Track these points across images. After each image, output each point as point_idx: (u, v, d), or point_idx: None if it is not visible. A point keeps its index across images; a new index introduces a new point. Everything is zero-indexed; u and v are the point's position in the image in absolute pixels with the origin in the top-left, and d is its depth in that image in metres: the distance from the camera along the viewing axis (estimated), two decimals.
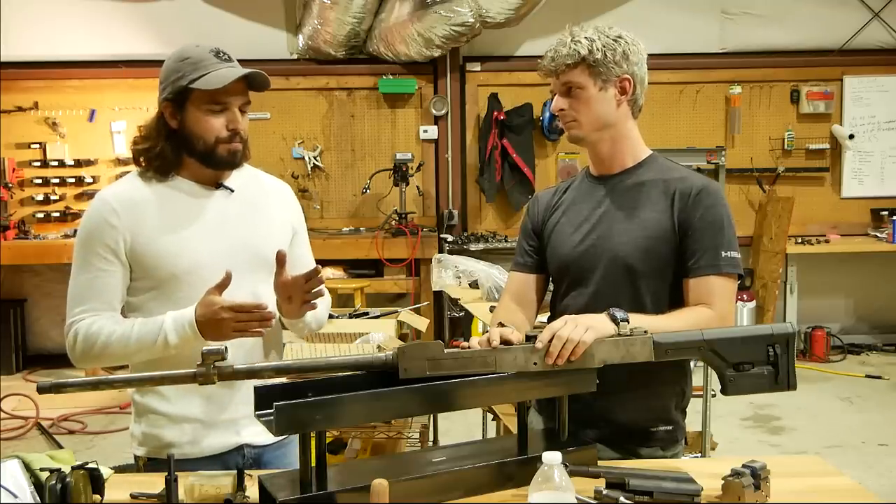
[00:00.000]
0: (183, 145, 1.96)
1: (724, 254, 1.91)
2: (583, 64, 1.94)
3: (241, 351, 1.98)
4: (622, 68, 1.96)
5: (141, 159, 2.00)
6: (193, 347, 1.76)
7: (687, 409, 2.08)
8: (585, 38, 1.95)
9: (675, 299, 1.96)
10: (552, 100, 2.03)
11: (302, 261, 2.14)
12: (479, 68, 6.60)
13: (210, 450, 2.00)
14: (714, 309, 1.89)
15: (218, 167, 1.99)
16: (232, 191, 2.04)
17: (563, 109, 1.99)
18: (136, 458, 2.05)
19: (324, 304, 2.14)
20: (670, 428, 2.01)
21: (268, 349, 2.09)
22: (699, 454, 3.68)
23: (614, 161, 2.04)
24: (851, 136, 6.64)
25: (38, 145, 6.43)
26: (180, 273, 1.94)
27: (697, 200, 1.93)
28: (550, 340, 1.69)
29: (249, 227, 2.04)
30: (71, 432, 5.09)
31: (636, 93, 2.01)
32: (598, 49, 1.93)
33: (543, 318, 2.11)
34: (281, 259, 1.93)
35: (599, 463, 1.77)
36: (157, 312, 1.95)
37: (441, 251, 5.90)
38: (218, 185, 2.03)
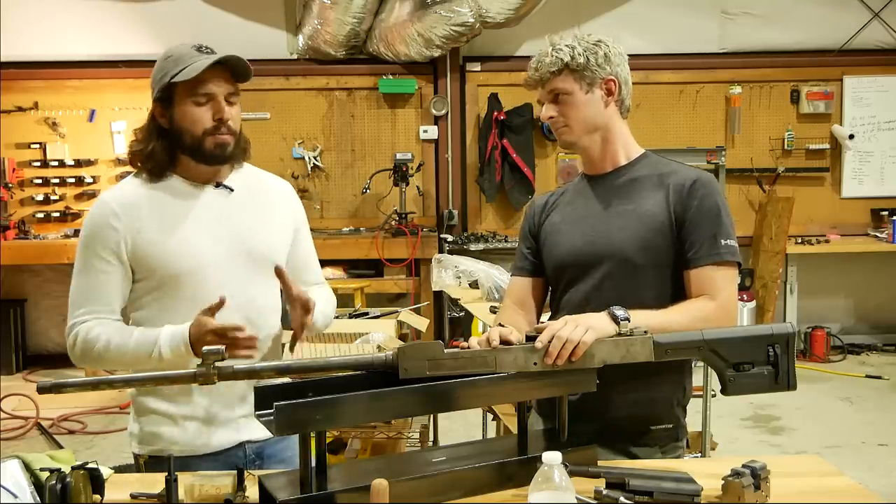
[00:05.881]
0: (174, 143, 1.98)
1: (722, 242, 1.92)
2: (566, 70, 1.97)
3: None
4: (605, 70, 1.99)
5: (137, 162, 2.03)
6: (187, 363, 1.79)
7: (687, 409, 2.08)
8: (566, 45, 1.99)
9: (677, 291, 1.96)
10: (541, 110, 2.05)
11: (305, 260, 2.19)
12: (479, 68, 6.60)
13: (210, 447, 2.01)
14: (717, 299, 1.90)
15: (207, 161, 1.99)
16: (232, 190, 2.06)
17: (553, 116, 2.02)
18: (137, 456, 2.06)
19: (331, 304, 2.21)
20: (670, 426, 2.00)
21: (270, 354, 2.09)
22: (699, 454, 3.68)
23: (606, 160, 2.06)
24: (851, 136, 6.65)
25: (38, 145, 6.43)
26: (180, 273, 1.96)
27: (692, 191, 1.95)
28: (550, 341, 1.69)
29: (249, 227, 2.05)
30: (71, 432, 5.09)
31: (622, 93, 2.02)
32: (579, 54, 1.96)
33: (545, 317, 2.12)
34: (278, 273, 1.94)
35: (599, 463, 1.77)
36: (158, 313, 1.97)
37: (441, 251, 5.90)
38: (217, 184, 2.04)
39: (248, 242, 2.03)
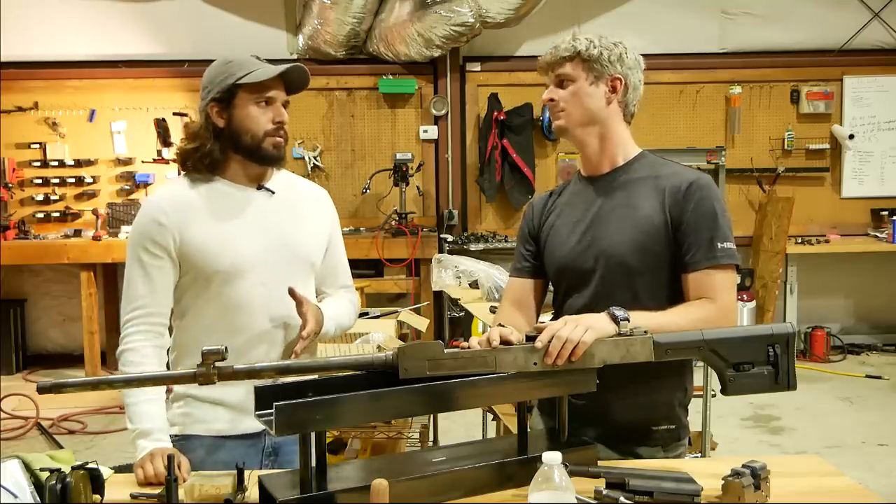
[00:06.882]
0: (230, 142, 2.05)
1: (719, 245, 1.92)
2: (578, 58, 2.00)
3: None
4: (616, 68, 2.01)
5: (189, 161, 2.08)
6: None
7: (688, 408, 2.08)
8: (585, 38, 2.03)
9: (674, 295, 1.96)
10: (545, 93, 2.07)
11: (337, 264, 2.27)
12: (479, 68, 6.60)
13: (240, 430, 2.07)
14: (716, 302, 1.89)
15: (263, 161, 2.08)
16: (273, 192, 2.13)
17: (553, 100, 2.03)
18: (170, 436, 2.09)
19: (350, 309, 2.26)
20: (672, 427, 2.00)
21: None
22: (699, 454, 3.69)
23: (603, 160, 2.06)
24: (851, 136, 6.65)
25: (38, 145, 6.43)
26: (224, 269, 2.02)
27: (689, 194, 1.94)
28: (550, 340, 1.69)
29: (289, 228, 2.12)
30: (71, 432, 5.09)
31: (627, 95, 2.03)
32: (594, 47, 2.00)
33: (545, 317, 2.12)
34: (291, 293, 2.00)
35: (600, 463, 1.77)
36: (203, 310, 2.04)
37: (441, 251, 5.90)
38: (260, 186, 2.11)
39: (287, 243, 2.10)
